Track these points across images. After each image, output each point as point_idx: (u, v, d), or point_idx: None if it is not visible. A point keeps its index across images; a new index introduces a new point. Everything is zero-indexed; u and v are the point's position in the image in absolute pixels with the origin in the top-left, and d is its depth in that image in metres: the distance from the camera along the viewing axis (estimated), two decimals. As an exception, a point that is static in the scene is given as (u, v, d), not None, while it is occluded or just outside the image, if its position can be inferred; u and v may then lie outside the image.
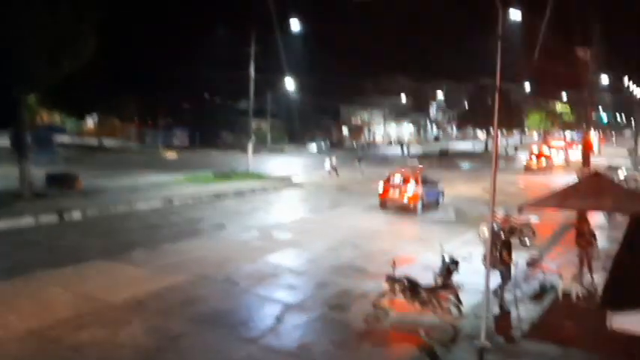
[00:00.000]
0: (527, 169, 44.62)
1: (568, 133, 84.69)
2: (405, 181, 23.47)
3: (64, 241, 16.35)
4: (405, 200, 23.20)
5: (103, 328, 10.05)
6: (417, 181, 23.48)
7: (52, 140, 39.03)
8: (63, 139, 44.09)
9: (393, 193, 23.60)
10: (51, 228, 17.98)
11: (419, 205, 23.27)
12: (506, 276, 12.07)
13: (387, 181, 24.09)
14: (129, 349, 9.33)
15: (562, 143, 60.06)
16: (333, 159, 36.16)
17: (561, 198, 12.38)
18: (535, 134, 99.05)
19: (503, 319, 10.80)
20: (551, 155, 48.56)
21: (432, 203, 24.27)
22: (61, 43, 19.30)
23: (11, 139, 22.79)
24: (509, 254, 12.17)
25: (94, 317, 10.54)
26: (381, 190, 24.04)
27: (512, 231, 12.84)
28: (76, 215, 19.64)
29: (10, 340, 9.40)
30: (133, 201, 22.30)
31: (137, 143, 57.43)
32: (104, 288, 12.16)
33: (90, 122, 58.09)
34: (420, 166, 25.92)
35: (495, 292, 11.88)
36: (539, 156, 46.53)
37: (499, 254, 12.12)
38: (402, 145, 61.49)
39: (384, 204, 23.91)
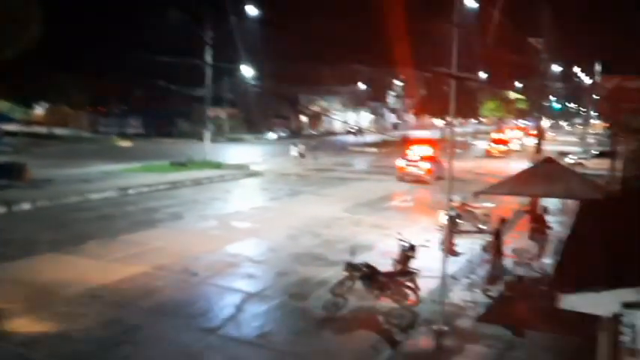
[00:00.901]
0: (488, 155, 46.36)
1: (522, 121, 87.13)
2: (421, 158, 28.64)
3: (13, 233, 15.80)
4: (421, 173, 28.09)
5: (56, 323, 9.77)
6: (429, 159, 28.66)
7: (-1, 129, 37.60)
8: (10, 128, 42.43)
9: (411, 168, 28.61)
10: (-1, 220, 17.34)
11: (430, 178, 28.00)
12: (498, 266, 12.19)
13: (405, 157, 29.41)
14: (83, 343, 9.10)
15: (519, 131, 62.43)
16: (301, 146, 37.07)
17: (515, 185, 12.73)
18: (490, 122, 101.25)
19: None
20: (510, 141, 50.73)
21: (438, 176, 28.06)
22: (5, 14, 18.06)
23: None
24: (500, 244, 12.30)
25: (47, 312, 10.23)
26: (401, 165, 29.11)
27: (503, 220, 12.97)
28: (26, 206, 18.99)
29: (-44, 337, 9.04)
30: (85, 191, 21.71)
31: (90, 131, 55.86)
32: (57, 281, 11.80)
33: (39, 110, 56.10)
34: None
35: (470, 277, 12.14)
36: (499, 142, 48.65)
37: (492, 245, 12.20)
38: (355, 133, 61.90)
39: (402, 177, 28.69)
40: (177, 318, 10.24)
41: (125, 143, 47.00)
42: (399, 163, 29.56)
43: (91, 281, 11.87)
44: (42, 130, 49.82)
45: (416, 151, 29.58)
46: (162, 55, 33.27)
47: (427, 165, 28.28)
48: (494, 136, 52.46)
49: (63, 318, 9.98)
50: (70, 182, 23.59)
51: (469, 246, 13.90)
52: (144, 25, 45.04)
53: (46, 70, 40.54)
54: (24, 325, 9.63)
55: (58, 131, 50.39)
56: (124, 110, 57.32)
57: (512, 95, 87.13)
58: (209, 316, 10.53)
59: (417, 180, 27.75)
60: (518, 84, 79.29)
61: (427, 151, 29.72)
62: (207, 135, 34.62)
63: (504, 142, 49.12)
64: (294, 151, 37.20)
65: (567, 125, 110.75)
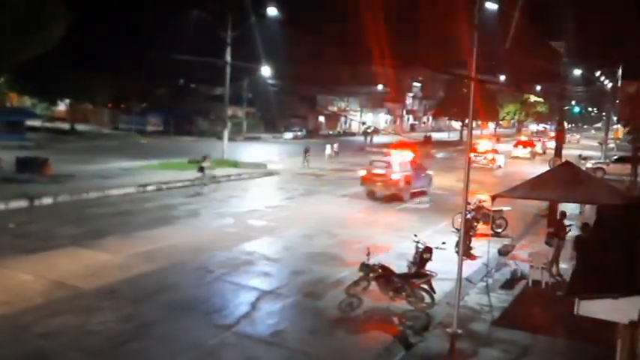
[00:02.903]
0: (513, 157, 46.96)
1: (542, 125, 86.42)
2: (487, 151, 39.00)
3: (34, 227, 16.06)
4: (486, 162, 37.64)
5: (74, 316, 9.92)
6: (492, 152, 39.92)
7: (23, 124, 38.27)
8: (34, 123, 43.14)
9: (478, 159, 37.71)
10: (21, 213, 17.63)
11: (494, 166, 37.83)
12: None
13: (474, 151, 37.61)
14: (100, 336, 9.23)
15: (540, 135, 62.90)
16: (335, 145, 38.24)
17: (533, 188, 12.62)
18: (509, 125, 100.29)
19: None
20: (535, 144, 51.17)
21: (498, 165, 38.83)
22: (30, 15, 18.30)
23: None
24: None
25: (65, 305, 10.39)
26: (471, 157, 35.65)
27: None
28: (47, 201, 19.28)
29: (-23, 328, 9.22)
30: (105, 187, 21.98)
31: (110, 128, 56.57)
32: (76, 275, 11.98)
33: (62, 107, 56.96)
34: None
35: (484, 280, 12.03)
36: (524, 144, 49.41)
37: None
38: (366, 135, 61.75)
39: (470, 166, 35.48)
40: (193, 314, 10.34)
41: (144, 140, 47.51)
42: (470, 155, 37.68)
43: (109, 276, 12.02)
44: (64, 126, 50.60)
45: (482, 146, 41.29)
46: (183, 55, 33.53)
47: (490, 156, 38.63)
48: (520, 138, 53.50)
49: (81, 311, 10.12)
50: (91, 178, 23.90)
51: (485, 249, 13.78)
52: (165, 24, 45.48)
53: (68, 68, 41.15)
54: (43, 317, 9.78)
55: (80, 127, 51.11)
56: (143, 108, 57.92)
57: (532, 98, 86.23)
58: (224, 312, 10.60)
59: (483, 167, 35.64)
60: (538, 87, 78.50)
61: (490, 145, 42.25)
62: (226, 133, 34.84)
63: (530, 145, 49.72)
64: (328, 149, 38.81)
65: (587, 130, 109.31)
